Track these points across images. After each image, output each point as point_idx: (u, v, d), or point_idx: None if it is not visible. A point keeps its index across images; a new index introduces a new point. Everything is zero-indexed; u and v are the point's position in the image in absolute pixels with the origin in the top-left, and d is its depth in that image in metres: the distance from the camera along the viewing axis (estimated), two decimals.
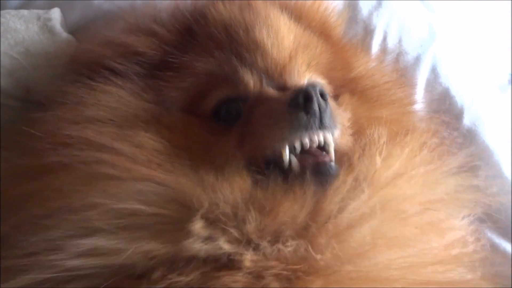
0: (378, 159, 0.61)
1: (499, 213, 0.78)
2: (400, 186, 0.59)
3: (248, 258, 0.50)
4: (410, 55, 0.94)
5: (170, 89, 0.65)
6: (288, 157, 0.57)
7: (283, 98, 0.60)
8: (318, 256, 0.51)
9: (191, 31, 0.70)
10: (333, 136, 0.60)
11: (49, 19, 0.74)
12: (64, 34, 0.76)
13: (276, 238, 0.52)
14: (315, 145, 0.58)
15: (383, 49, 0.92)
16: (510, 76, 1.20)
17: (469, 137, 0.89)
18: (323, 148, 0.60)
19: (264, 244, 0.51)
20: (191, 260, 0.50)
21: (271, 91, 0.64)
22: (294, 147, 0.57)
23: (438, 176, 0.64)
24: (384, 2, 0.96)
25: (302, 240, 0.51)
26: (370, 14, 0.94)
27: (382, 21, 0.94)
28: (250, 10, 0.70)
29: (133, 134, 0.59)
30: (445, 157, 0.68)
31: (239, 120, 0.63)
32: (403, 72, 0.90)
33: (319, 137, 0.58)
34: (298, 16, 0.76)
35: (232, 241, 0.51)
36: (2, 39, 0.71)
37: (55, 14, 0.77)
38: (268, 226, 0.52)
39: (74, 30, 0.80)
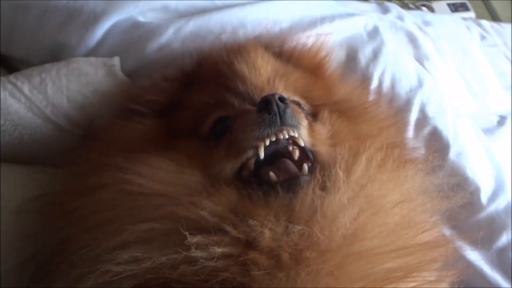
0: (342, 165, 0.68)
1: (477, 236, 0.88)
2: (370, 186, 0.67)
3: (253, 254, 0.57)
4: (402, 99, 1.07)
5: (176, 121, 0.81)
6: (263, 151, 0.67)
7: (255, 108, 0.71)
8: (320, 238, 0.58)
9: (189, 76, 0.88)
10: (299, 133, 0.69)
11: (113, 65, 0.91)
12: (124, 78, 0.92)
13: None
14: (282, 140, 0.68)
15: (379, 92, 1.06)
16: (500, 118, 1.29)
17: (454, 169, 1.01)
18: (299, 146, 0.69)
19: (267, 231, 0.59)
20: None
21: (249, 106, 0.75)
22: (266, 144, 0.67)
23: (406, 176, 0.73)
24: (379, 55, 1.11)
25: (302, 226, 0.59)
26: (367, 65, 1.09)
27: (378, 70, 1.08)
28: (235, 51, 0.86)
29: (150, 158, 0.71)
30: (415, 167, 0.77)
31: (225, 134, 0.73)
32: (396, 112, 1.03)
33: (283, 134, 0.68)
34: (289, 56, 0.92)
35: (227, 244, 0.59)
36: (77, 80, 0.87)
37: (117, 61, 0.93)
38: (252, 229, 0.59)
39: (129, 74, 0.96)
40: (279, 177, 0.66)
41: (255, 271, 0.56)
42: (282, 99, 0.69)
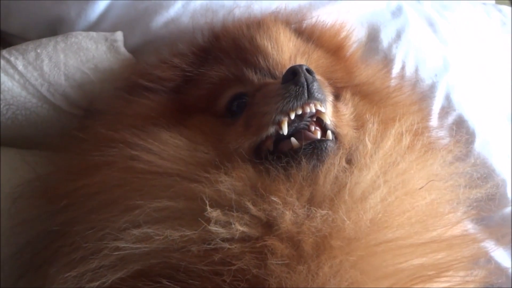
0: (368, 141, 0.65)
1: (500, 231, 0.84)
2: (401, 163, 0.63)
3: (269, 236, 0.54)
4: (426, 83, 1.01)
5: (188, 98, 0.76)
6: (286, 126, 0.63)
7: (278, 81, 0.67)
8: (346, 223, 0.54)
9: (205, 50, 0.82)
10: (325, 108, 0.65)
11: (115, 40, 0.84)
12: (127, 54, 0.86)
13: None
14: (308, 113, 0.64)
15: (402, 76, 0.99)
16: None
17: (480, 160, 0.94)
18: (321, 127, 0.66)
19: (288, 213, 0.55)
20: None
21: (270, 80, 0.72)
22: (291, 118, 0.63)
23: (433, 162, 0.69)
24: (403, 36, 1.03)
25: (327, 210, 0.55)
26: (390, 45, 1.02)
27: (401, 52, 1.02)
28: (256, 25, 0.81)
29: (159, 134, 0.67)
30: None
31: (244, 110, 0.70)
32: (421, 98, 0.96)
33: (310, 107, 0.64)
34: (310, 35, 0.86)
35: (247, 223, 0.55)
36: (75, 56, 0.81)
37: (119, 36, 0.87)
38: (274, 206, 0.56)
39: (133, 51, 0.90)
40: (301, 144, 0.62)
41: (272, 260, 0.52)
42: (309, 71, 0.64)
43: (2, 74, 0.78)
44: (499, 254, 0.84)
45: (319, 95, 0.64)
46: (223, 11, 0.91)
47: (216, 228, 0.54)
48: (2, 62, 0.80)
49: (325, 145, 0.62)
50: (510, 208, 0.95)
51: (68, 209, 0.63)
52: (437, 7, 1.34)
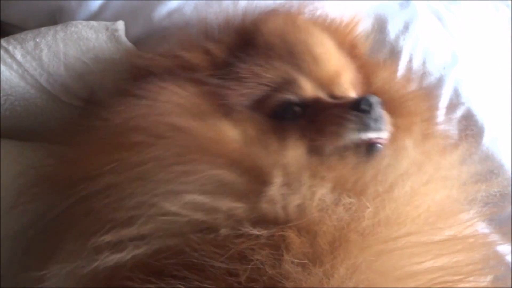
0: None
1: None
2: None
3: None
4: (434, 76, 0.99)
5: (235, 95, 0.72)
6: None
7: (346, 103, 0.70)
8: (367, 211, 0.54)
9: (245, 43, 0.78)
10: (384, 137, 0.69)
11: (116, 30, 0.82)
12: (128, 44, 0.84)
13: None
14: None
15: (409, 69, 0.97)
16: None
17: (488, 155, 0.95)
18: None
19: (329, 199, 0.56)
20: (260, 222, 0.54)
21: (328, 98, 0.73)
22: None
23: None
24: (411, 27, 1.01)
25: (353, 199, 0.56)
26: (397, 37, 1.00)
27: (408, 44, 0.99)
28: (303, 27, 0.79)
29: (213, 122, 0.66)
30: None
31: (298, 120, 0.71)
32: (427, 90, 0.96)
33: (377, 137, 0.68)
34: (332, 37, 0.83)
35: (300, 202, 0.55)
36: (75, 46, 0.79)
37: (121, 25, 0.84)
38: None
39: (135, 42, 0.87)
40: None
41: (287, 257, 0.51)
42: (380, 103, 0.69)
43: (0, 64, 0.77)
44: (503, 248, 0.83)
45: (385, 127, 0.69)
46: (227, 2, 0.88)
47: (267, 205, 0.54)
48: (1, 51, 0.78)
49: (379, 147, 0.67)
50: None
51: (101, 177, 0.60)
52: (444, 1, 1.33)
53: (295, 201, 0.55)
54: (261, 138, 0.65)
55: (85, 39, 0.80)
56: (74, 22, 0.84)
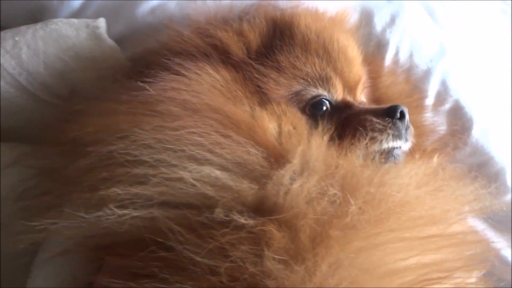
0: None
1: (500, 221, 0.81)
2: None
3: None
4: (421, 69, 0.98)
5: (273, 84, 0.72)
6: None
7: (380, 110, 0.73)
8: (351, 209, 0.54)
9: (281, 33, 0.77)
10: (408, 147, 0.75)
11: (97, 27, 0.81)
12: (110, 41, 0.82)
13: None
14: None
15: (395, 62, 0.97)
16: None
17: (477, 148, 0.94)
18: None
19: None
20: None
21: (361, 103, 0.78)
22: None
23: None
24: (397, 20, 1.00)
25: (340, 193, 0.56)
26: (384, 30, 0.99)
27: (395, 37, 0.99)
28: (338, 27, 0.82)
29: (250, 110, 0.66)
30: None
31: (328, 119, 0.73)
32: (415, 84, 0.95)
33: (403, 146, 0.73)
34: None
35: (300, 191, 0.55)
36: (55, 44, 0.77)
37: (102, 23, 0.83)
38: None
39: (117, 39, 0.86)
40: None
41: (269, 253, 0.49)
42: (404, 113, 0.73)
43: None
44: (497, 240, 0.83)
45: (409, 137, 0.74)
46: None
47: (272, 188, 0.54)
48: None
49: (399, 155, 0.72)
50: (509, 195, 0.93)
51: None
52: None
53: (295, 189, 0.55)
54: (293, 133, 0.66)
55: (65, 37, 0.79)
56: (54, 20, 0.82)
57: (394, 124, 0.72)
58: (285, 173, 0.56)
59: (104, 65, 0.80)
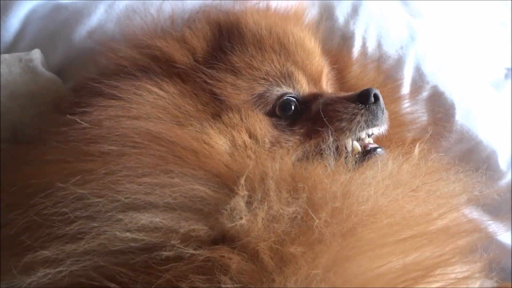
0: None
1: (498, 206, 0.77)
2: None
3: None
4: (392, 58, 0.93)
5: (230, 88, 0.67)
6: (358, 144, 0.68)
7: (351, 96, 0.69)
8: (316, 222, 0.50)
9: (228, 34, 0.73)
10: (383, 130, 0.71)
11: (31, 60, 0.74)
12: (47, 73, 0.76)
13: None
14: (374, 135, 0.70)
15: (364, 54, 0.92)
16: (507, 70, 1.17)
17: (463, 133, 0.89)
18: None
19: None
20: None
21: (331, 92, 0.73)
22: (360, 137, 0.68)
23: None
24: (360, 9, 0.95)
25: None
26: (347, 22, 0.94)
27: (360, 27, 0.93)
28: (290, 21, 0.77)
29: (198, 129, 0.61)
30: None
31: (300, 115, 0.70)
32: (387, 73, 0.90)
33: (379, 130, 0.70)
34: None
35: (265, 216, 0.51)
36: None
37: (36, 54, 0.77)
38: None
39: (58, 70, 0.80)
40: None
41: (224, 277, 0.47)
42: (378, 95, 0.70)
43: None
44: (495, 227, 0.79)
45: (385, 120, 0.71)
46: (151, 9, 0.81)
47: (227, 222, 0.50)
48: None
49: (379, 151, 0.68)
50: (506, 179, 0.89)
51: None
52: None
53: (252, 216, 0.51)
54: (249, 144, 0.62)
55: None
56: None
57: (368, 109, 0.68)
58: (238, 201, 0.51)
59: (43, 100, 0.73)
